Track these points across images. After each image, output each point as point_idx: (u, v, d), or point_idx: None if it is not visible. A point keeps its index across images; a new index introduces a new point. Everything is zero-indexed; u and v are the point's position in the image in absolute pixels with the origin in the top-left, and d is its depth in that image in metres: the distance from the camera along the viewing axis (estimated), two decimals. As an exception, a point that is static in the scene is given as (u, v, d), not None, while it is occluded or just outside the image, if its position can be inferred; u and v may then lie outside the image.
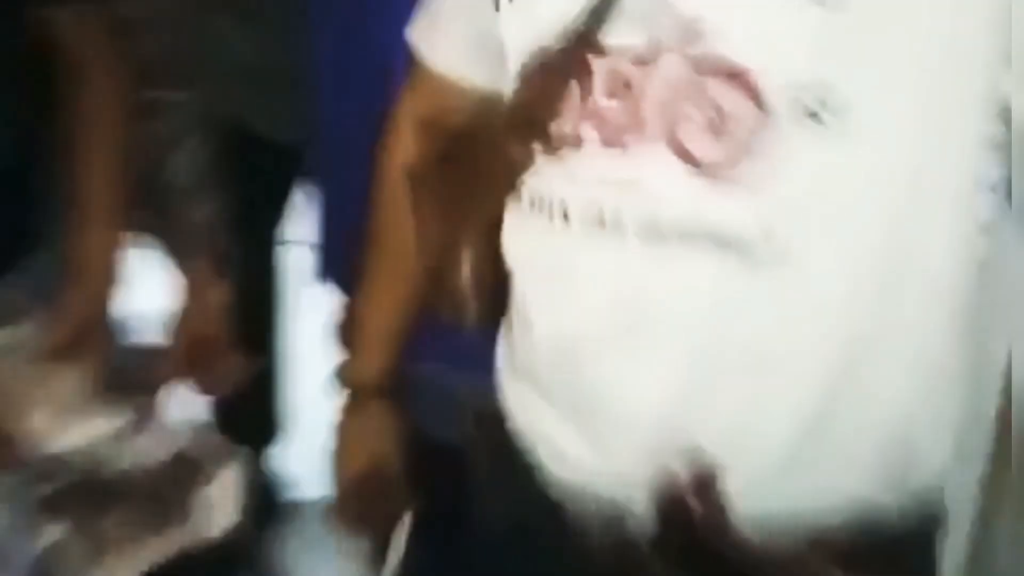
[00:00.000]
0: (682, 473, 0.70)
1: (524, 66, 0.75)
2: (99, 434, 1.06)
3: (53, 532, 1.00)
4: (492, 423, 0.85)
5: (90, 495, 1.02)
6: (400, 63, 0.93)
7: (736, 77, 0.66)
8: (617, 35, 0.70)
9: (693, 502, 0.70)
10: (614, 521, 0.74)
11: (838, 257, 0.68)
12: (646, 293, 0.71)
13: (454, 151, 0.87)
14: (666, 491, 0.71)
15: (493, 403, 0.85)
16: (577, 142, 0.72)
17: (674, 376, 0.71)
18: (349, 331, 1.10)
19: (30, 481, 1.01)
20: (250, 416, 1.61)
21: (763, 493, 0.71)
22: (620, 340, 0.73)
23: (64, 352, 1.11)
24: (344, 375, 1.03)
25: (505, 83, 0.78)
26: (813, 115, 0.65)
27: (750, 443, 0.71)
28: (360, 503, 1.02)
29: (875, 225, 0.68)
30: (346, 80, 1.15)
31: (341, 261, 1.19)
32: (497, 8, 0.77)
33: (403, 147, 0.93)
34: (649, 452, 0.71)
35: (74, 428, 1.06)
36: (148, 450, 1.08)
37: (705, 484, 0.70)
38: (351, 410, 1.04)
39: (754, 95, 0.66)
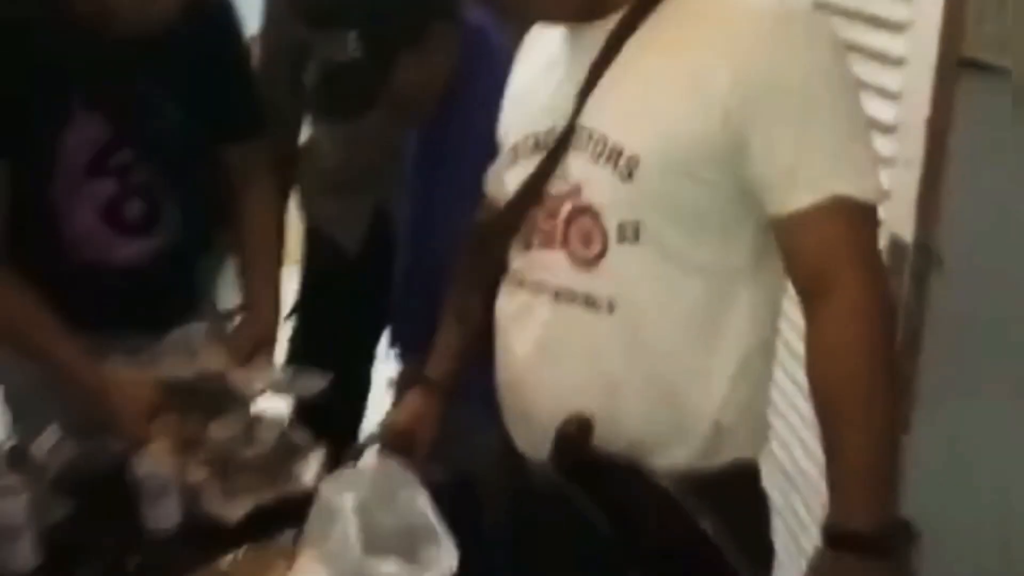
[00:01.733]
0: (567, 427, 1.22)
1: (513, 196, 1.30)
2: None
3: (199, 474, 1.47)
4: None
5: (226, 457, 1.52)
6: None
7: (594, 215, 1.20)
8: (552, 188, 1.25)
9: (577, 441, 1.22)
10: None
11: (646, 310, 1.21)
12: (553, 334, 1.25)
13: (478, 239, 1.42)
14: (561, 436, 1.22)
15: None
16: (530, 245, 1.28)
17: (571, 381, 1.24)
18: (403, 388, 1.62)
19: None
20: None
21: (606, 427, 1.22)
22: (538, 363, 1.26)
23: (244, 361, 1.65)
24: (415, 376, 1.57)
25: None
26: (631, 238, 1.18)
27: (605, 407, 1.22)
28: (393, 448, 1.52)
29: (669, 297, 1.20)
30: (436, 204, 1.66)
31: (410, 331, 1.72)
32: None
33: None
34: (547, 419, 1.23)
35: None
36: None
37: (586, 429, 1.22)
38: (415, 393, 1.57)
39: (601, 225, 1.19)
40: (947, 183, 1.42)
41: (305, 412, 1.80)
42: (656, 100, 1.17)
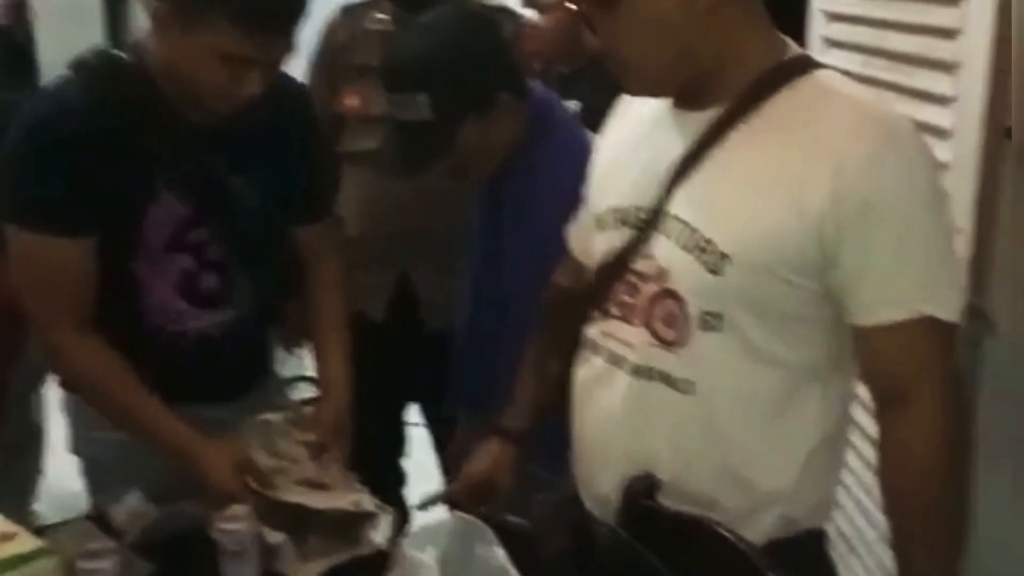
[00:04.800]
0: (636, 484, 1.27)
1: (597, 268, 1.35)
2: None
3: (275, 536, 1.51)
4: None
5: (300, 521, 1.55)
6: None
7: (679, 301, 1.24)
8: (635, 264, 1.29)
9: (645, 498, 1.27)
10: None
11: (722, 396, 1.25)
12: (630, 405, 1.28)
13: (561, 304, 1.47)
14: (630, 492, 1.28)
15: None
16: (609, 314, 1.32)
17: (646, 450, 1.29)
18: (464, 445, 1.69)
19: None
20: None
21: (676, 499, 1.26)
22: (612, 431, 1.31)
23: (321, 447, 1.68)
24: (498, 426, 1.62)
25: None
26: (714, 327, 1.23)
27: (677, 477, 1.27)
28: (473, 496, 1.58)
29: (745, 386, 1.25)
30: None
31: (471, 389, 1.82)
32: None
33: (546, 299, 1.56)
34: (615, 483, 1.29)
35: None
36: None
37: (653, 486, 1.27)
38: (492, 442, 1.62)
39: (685, 311, 1.24)
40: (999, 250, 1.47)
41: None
42: (752, 201, 1.20)
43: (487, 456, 1.63)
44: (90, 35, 5.06)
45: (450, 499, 1.64)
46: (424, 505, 1.70)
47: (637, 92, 1.32)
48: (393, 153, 1.80)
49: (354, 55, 2.32)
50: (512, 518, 1.46)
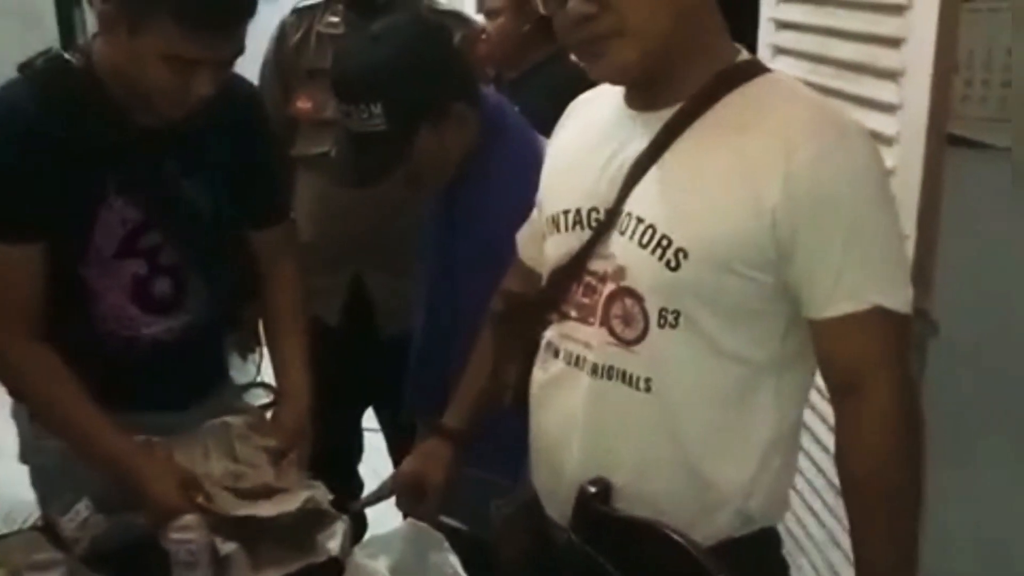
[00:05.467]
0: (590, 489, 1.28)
1: (552, 271, 1.36)
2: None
3: (227, 546, 1.50)
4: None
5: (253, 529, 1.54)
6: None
7: (637, 298, 1.25)
8: (592, 265, 1.30)
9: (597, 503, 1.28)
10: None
11: (680, 392, 1.26)
12: (590, 406, 1.29)
13: (515, 309, 1.46)
14: (583, 497, 1.28)
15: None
16: (567, 317, 1.32)
17: (603, 452, 1.29)
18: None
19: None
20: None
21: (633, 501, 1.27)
22: (571, 432, 1.31)
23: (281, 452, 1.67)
24: (436, 425, 1.63)
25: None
26: (671, 324, 1.23)
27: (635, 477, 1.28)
28: (404, 493, 1.60)
29: (702, 381, 1.25)
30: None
31: (428, 395, 1.80)
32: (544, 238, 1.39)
33: (496, 305, 1.53)
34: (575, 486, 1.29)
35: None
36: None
37: (605, 491, 1.28)
38: (431, 440, 1.63)
39: (643, 309, 1.24)
40: (943, 253, 1.50)
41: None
42: (708, 197, 1.21)
43: (421, 455, 1.64)
44: (43, 39, 5.01)
45: (382, 498, 1.66)
46: (361, 506, 1.71)
47: (605, 74, 1.29)
48: (346, 164, 1.79)
49: (306, 58, 2.32)
50: (446, 519, 1.46)
